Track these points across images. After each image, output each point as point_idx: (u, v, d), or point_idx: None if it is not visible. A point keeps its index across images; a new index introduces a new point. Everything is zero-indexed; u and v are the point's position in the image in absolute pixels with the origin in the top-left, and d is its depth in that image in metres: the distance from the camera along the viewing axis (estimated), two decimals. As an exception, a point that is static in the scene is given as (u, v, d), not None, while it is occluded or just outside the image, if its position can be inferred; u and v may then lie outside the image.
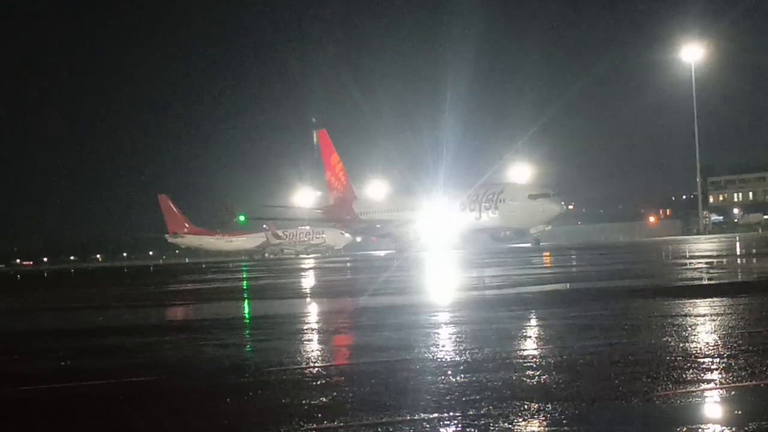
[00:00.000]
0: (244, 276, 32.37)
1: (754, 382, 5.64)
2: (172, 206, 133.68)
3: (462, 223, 76.25)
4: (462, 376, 6.43)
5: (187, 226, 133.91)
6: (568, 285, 17.32)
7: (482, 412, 5.15)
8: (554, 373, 6.32)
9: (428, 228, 76.35)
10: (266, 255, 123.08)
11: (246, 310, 14.97)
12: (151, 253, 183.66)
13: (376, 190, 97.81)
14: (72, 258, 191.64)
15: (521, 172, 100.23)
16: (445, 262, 36.18)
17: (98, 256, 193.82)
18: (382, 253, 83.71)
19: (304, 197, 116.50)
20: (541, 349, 7.71)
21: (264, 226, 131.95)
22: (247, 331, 10.88)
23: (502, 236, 76.39)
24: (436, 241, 77.39)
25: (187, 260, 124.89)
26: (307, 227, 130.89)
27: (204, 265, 62.39)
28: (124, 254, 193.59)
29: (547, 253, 42.36)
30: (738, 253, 31.95)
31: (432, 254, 60.07)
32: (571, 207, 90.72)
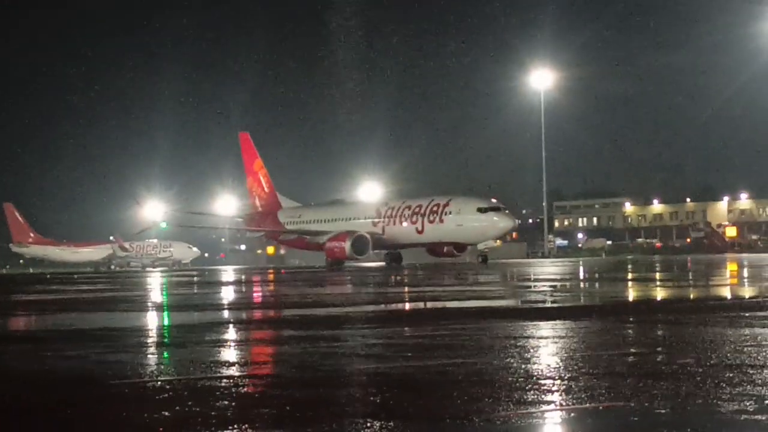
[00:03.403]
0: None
1: (593, 404, 5.75)
2: (17, 215, 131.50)
3: (400, 235, 72.68)
4: (306, 390, 6.44)
5: (32, 235, 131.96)
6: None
7: (325, 428, 5.16)
8: (397, 391, 6.36)
9: (362, 241, 71.91)
10: (112, 267, 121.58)
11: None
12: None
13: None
14: None
15: (371, 191, 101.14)
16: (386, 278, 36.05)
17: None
18: (229, 269, 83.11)
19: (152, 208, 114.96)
20: (386, 365, 7.73)
21: (111, 237, 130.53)
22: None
23: (445, 251, 72.69)
24: (370, 256, 74.44)
25: (31, 270, 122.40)
26: (155, 240, 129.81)
27: (48, 276, 61.02)
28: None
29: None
30: (581, 276, 32.62)
31: (368, 268, 59.52)
32: None
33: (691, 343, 8.95)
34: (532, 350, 8.57)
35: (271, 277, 43.60)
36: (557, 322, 11.64)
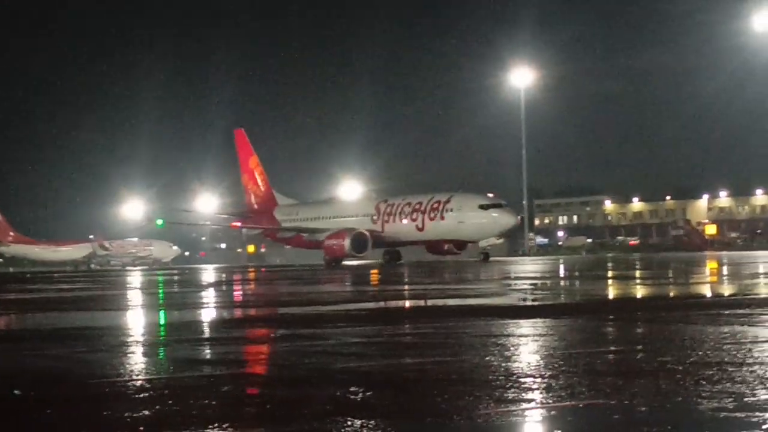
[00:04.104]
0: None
1: (573, 402, 5.76)
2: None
3: (400, 233, 71.71)
4: (289, 390, 6.42)
5: (12, 234, 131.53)
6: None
7: (305, 427, 5.16)
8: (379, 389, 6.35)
9: (362, 238, 70.93)
10: (92, 266, 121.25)
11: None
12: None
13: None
14: None
15: (352, 189, 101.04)
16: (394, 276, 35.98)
17: None
18: (210, 267, 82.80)
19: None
20: (368, 364, 7.71)
21: (91, 236, 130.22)
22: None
23: (446, 249, 71.37)
24: (369, 253, 73.18)
25: (11, 269, 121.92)
26: (135, 239, 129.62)
27: (28, 275, 60.66)
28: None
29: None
30: (561, 274, 32.68)
31: (368, 266, 59.08)
32: None
33: (672, 341, 8.97)
34: (512, 348, 8.57)
35: (251, 275, 43.52)
36: (537, 320, 11.64)
